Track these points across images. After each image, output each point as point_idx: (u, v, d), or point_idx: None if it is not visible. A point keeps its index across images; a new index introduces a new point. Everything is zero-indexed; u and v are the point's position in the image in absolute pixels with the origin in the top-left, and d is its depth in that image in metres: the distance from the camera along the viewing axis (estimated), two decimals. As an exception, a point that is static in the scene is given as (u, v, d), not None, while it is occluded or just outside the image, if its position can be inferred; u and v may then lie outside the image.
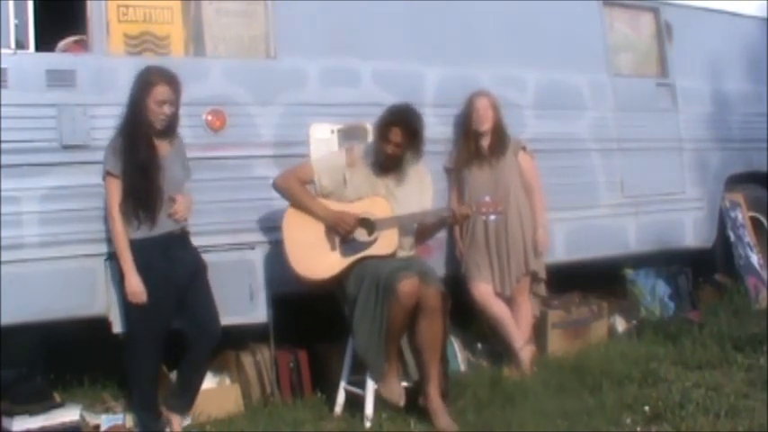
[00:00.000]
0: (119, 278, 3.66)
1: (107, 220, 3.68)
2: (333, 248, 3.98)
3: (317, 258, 3.96)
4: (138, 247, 3.56)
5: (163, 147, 3.67)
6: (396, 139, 3.99)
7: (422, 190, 4.18)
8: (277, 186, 4.07)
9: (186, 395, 3.79)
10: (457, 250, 4.77)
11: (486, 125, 4.70)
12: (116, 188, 3.54)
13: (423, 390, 3.86)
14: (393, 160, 4.05)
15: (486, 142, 4.72)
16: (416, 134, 4.01)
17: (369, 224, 3.99)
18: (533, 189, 4.76)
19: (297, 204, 4.01)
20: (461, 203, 4.59)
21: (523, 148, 4.80)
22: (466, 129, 4.76)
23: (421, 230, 4.21)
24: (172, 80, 3.60)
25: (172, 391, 3.81)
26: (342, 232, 3.95)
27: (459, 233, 4.75)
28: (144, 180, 3.55)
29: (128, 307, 3.62)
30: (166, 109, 3.60)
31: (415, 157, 4.11)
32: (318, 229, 3.98)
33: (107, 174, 3.57)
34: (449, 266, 4.80)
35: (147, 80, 3.58)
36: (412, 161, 4.16)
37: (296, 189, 4.02)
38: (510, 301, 4.69)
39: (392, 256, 4.00)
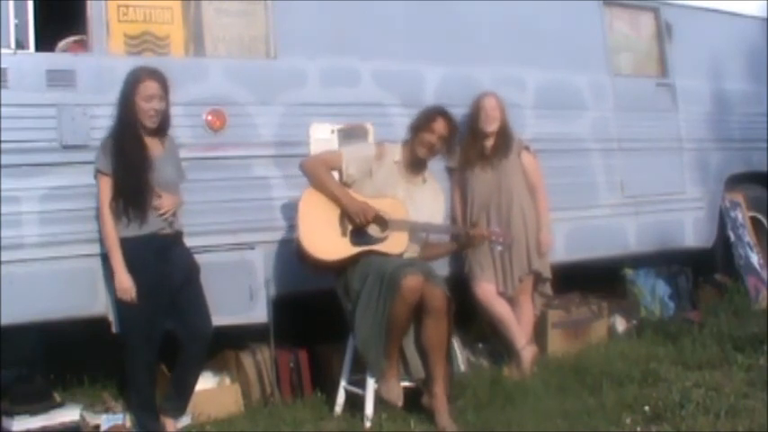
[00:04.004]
0: (112, 278, 3.65)
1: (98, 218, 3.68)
2: (344, 234, 3.99)
3: (326, 239, 3.96)
4: (129, 245, 3.57)
5: (155, 147, 3.67)
6: (439, 129, 4.09)
7: (434, 205, 4.24)
8: (304, 168, 4.07)
9: (180, 397, 3.79)
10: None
11: (493, 126, 4.70)
12: (107, 186, 3.55)
13: (429, 389, 3.86)
14: (428, 155, 4.14)
15: (490, 143, 4.73)
16: (455, 132, 4.18)
17: (382, 221, 4.01)
18: (537, 189, 4.77)
19: (320, 187, 4.01)
20: (464, 222, 4.70)
21: (526, 148, 4.80)
22: (472, 129, 4.76)
23: (428, 249, 4.24)
24: (158, 76, 3.63)
25: (167, 394, 3.81)
26: (358, 222, 3.96)
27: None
28: (134, 178, 3.55)
29: (122, 306, 3.62)
30: (155, 104, 3.61)
31: (448, 153, 4.32)
32: (333, 212, 3.99)
33: (98, 172, 3.58)
34: (451, 267, 4.80)
35: (133, 78, 3.61)
36: (431, 175, 4.28)
37: (322, 172, 4.05)
38: (512, 301, 4.69)
39: (399, 256, 4.01)
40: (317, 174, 4.04)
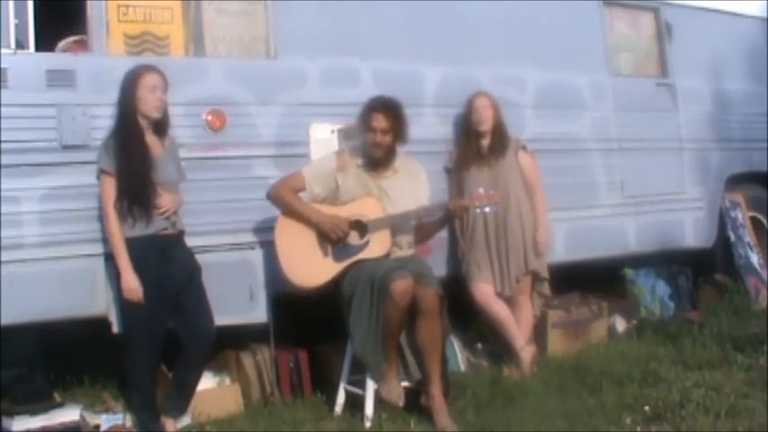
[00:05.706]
0: (116, 277, 3.65)
1: (103, 218, 3.68)
2: (325, 255, 3.98)
3: (309, 266, 3.96)
4: (134, 245, 3.57)
5: (156, 147, 3.68)
6: (379, 124, 4.00)
7: (416, 187, 4.17)
8: (271, 196, 4.07)
9: (181, 397, 3.79)
10: (459, 249, 4.77)
11: (485, 125, 4.70)
12: (110, 186, 3.55)
13: (426, 390, 3.86)
14: (382, 153, 4.05)
15: (486, 142, 4.73)
16: (398, 117, 4.04)
17: (361, 226, 3.98)
18: (534, 189, 4.76)
19: (290, 212, 4.01)
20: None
21: (523, 148, 4.80)
22: (466, 129, 4.77)
23: (421, 229, 4.21)
24: (157, 69, 3.66)
25: (167, 394, 3.81)
26: (335, 238, 3.94)
27: (459, 232, 4.75)
28: (138, 177, 3.55)
29: (125, 306, 3.62)
30: (159, 94, 3.63)
31: (400, 142, 4.09)
32: (310, 237, 3.98)
33: (101, 172, 3.58)
34: (449, 266, 4.80)
35: (133, 74, 3.62)
36: (403, 159, 4.16)
37: (288, 197, 4.02)
38: (510, 301, 4.69)
39: (386, 256, 4.00)
40: (284, 199, 4.02)
